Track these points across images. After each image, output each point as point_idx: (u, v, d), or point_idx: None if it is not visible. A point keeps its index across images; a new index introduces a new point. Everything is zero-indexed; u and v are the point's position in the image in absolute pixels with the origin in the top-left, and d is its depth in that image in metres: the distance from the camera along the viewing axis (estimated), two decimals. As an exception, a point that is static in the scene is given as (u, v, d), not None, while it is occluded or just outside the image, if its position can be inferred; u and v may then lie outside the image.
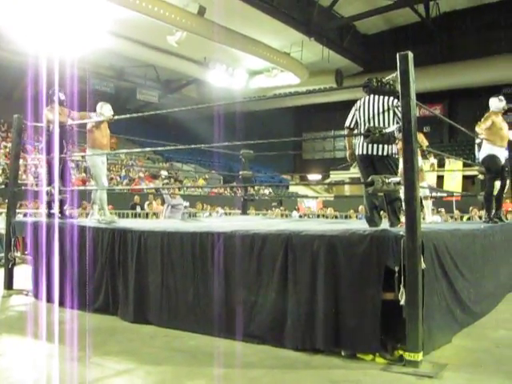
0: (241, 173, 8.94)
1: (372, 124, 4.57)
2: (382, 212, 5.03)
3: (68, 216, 6.64)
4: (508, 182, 6.97)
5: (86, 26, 16.43)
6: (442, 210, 14.53)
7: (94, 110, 6.74)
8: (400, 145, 4.07)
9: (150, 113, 9.72)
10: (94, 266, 5.36)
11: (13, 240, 6.45)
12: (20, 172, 13.07)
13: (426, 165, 7.84)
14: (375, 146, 4.56)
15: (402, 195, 4.06)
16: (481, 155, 6.73)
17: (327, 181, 25.45)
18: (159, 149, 17.36)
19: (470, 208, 13.38)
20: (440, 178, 21.88)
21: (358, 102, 4.80)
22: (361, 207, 13.15)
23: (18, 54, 18.46)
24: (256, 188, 23.10)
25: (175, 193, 10.40)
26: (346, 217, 14.43)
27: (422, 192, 6.95)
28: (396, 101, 4.40)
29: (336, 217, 14.79)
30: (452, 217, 13.65)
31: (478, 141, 7.16)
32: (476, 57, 23.02)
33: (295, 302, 4.04)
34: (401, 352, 3.64)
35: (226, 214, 15.43)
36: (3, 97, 22.37)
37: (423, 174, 7.06)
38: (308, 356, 3.82)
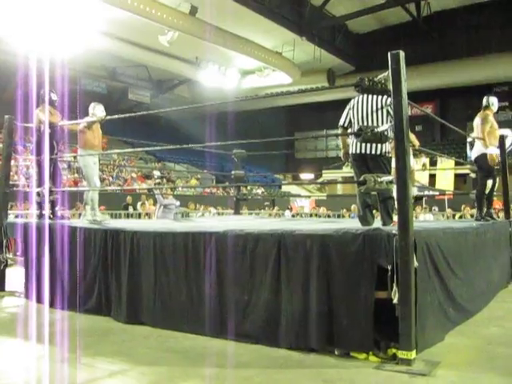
0: (233, 172, 8.93)
1: (365, 123, 4.58)
2: (374, 211, 5.04)
3: (59, 217, 6.60)
4: (497, 179, 7.01)
5: (77, 26, 16.34)
6: (436, 208, 14.61)
7: (86, 111, 6.71)
8: (393, 144, 4.08)
9: (141, 113, 9.68)
10: (86, 266, 5.34)
11: (5, 241, 6.42)
12: (11, 173, 12.96)
13: (417, 164, 7.88)
14: (369, 145, 4.57)
15: (394, 194, 4.07)
16: (473, 154, 6.75)
17: (320, 180, 25.48)
18: (151, 149, 17.29)
19: (462, 206, 13.43)
20: (432, 177, 21.99)
21: (352, 100, 4.82)
22: (353, 206, 13.19)
23: (8, 54, 18.31)
24: (249, 188, 23.10)
25: (167, 193, 10.37)
26: (338, 216, 14.44)
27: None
28: (389, 100, 4.40)
29: (329, 216, 14.81)
30: (444, 215, 13.72)
31: (469, 139, 7.20)
32: (467, 56, 23.21)
33: (288, 302, 4.03)
34: (394, 350, 3.64)
35: (218, 213, 15.40)
36: (-7, 97, 22.23)
37: (413, 175, 7.08)
38: (301, 355, 3.81)
